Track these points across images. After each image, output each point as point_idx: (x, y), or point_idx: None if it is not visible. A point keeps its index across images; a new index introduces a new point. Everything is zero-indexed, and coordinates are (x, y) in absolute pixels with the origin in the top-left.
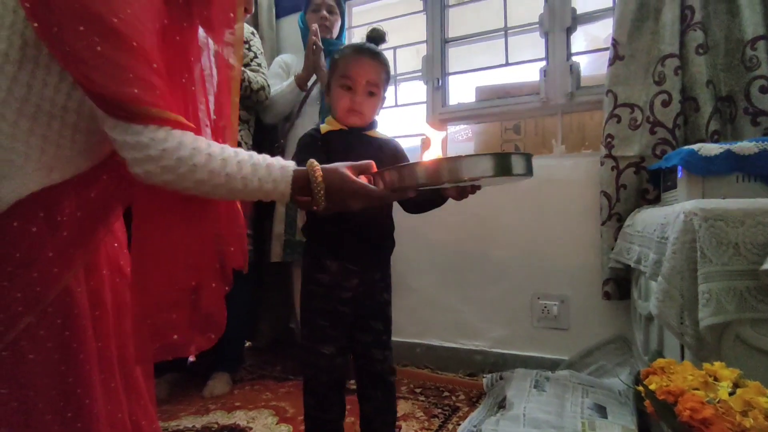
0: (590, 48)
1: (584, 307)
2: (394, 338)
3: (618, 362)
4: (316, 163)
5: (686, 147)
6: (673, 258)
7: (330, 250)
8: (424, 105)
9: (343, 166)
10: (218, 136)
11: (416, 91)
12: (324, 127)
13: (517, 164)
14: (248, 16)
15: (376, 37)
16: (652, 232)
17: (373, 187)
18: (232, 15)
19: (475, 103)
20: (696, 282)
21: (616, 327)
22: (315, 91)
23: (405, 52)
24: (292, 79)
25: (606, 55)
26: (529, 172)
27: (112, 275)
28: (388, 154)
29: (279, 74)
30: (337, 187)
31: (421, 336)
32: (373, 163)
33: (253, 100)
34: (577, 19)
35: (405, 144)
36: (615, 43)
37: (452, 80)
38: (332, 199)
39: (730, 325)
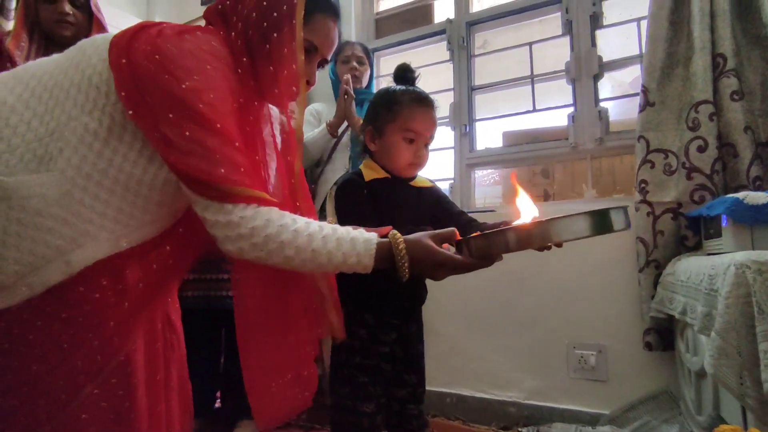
0: (616, 91)
1: (624, 358)
2: None
3: (665, 419)
4: (398, 235)
5: (731, 195)
6: (726, 313)
7: (367, 303)
8: (452, 150)
9: (426, 236)
10: (294, 194)
11: (444, 136)
12: (367, 174)
13: (617, 220)
14: (310, 88)
15: (409, 75)
16: (698, 282)
17: (459, 257)
18: (295, 89)
19: (502, 148)
20: (754, 339)
21: (660, 380)
22: (345, 138)
23: (433, 97)
24: (324, 125)
25: (634, 100)
26: (627, 225)
27: (164, 328)
28: (430, 201)
29: (311, 122)
30: (420, 258)
31: (451, 385)
32: (456, 231)
33: None
34: (604, 67)
35: None
36: (645, 89)
37: (479, 125)
38: (416, 270)
39: None
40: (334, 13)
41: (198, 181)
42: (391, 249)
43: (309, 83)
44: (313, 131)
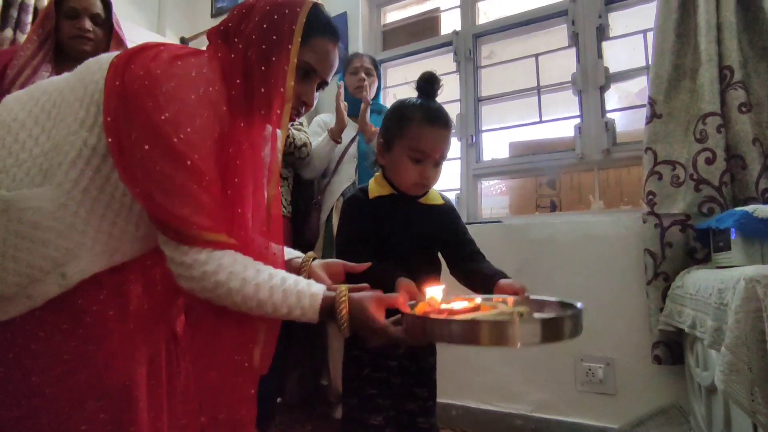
0: (622, 102)
1: (632, 371)
2: None
3: None
4: (344, 293)
5: (740, 208)
6: (737, 327)
7: None
8: (458, 161)
9: (371, 300)
10: (270, 209)
11: (451, 146)
12: (372, 190)
13: (567, 330)
14: (309, 110)
15: (434, 86)
16: (708, 296)
17: (393, 330)
18: (279, 112)
19: (509, 158)
20: (765, 354)
21: (669, 394)
22: (352, 149)
23: None
24: (326, 134)
25: (640, 110)
26: (576, 333)
27: (169, 341)
28: (438, 220)
29: (318, 132)
30: (359, 321)
31: (457, 396)
32: (402, 301)
33: (295, 156)
34: (611, 78)
35: None
36: (652, 101)
37: (486, 135)
38: (355, 330)
39: None
40: (334, 35)
41: (160, 220)
42: (333, 307)
43: (307, 105)
44: (316, 141)
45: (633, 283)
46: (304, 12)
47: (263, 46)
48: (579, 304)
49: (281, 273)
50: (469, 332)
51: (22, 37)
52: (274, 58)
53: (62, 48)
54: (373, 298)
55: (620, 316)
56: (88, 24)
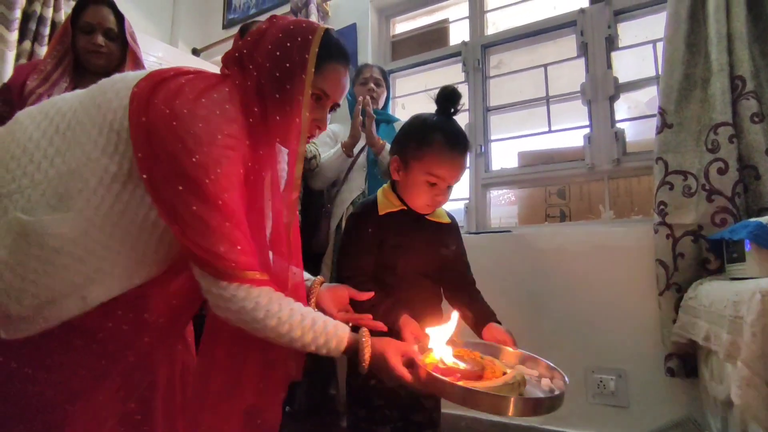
0: (632, 111)
1: (645, 383)
2: None
3: None
4: (368, 341)
5: (754, 219)
6: (753, 342)
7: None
8: (467, 170)
9: (390, 350)
10: (286, 244)
11: None
12: (382, 205)
13: (555, 406)
14: (321, 132)
15: (455, 101)
16: (722, 308)
17: (409, 379)
18: (295, 141)
19: (518, 168)
20: None
21: (683, 407)
22: (362, 158)
23: None
24: (339, 146)
25: (650, 119)
26: (555, 409)
27: (182, 350)
28: (443, 240)
29: (327, 143)
30: (379, 366)
31: (466, 407)
32: (417, 354)
33: (304, 167)
34: (620, 88)
35: (447, 207)
36: (662, 111)
37: (494, 145)
38: (374, 373)
39: None
40: (345, 60)
41: (197, 257)
42: (356, 352)
43: (320, 128)
44: (328, 152)
45: (644, 293)
46: (316, 41)
47: (276, 74)
48: (565, 381)
49: (311, 314)
50: (470, 400)
51: (39, 49)
52: (288, 86)
53: (79, 61)
54: (392, 348)
55: (632, 327)
56: (101, 39)
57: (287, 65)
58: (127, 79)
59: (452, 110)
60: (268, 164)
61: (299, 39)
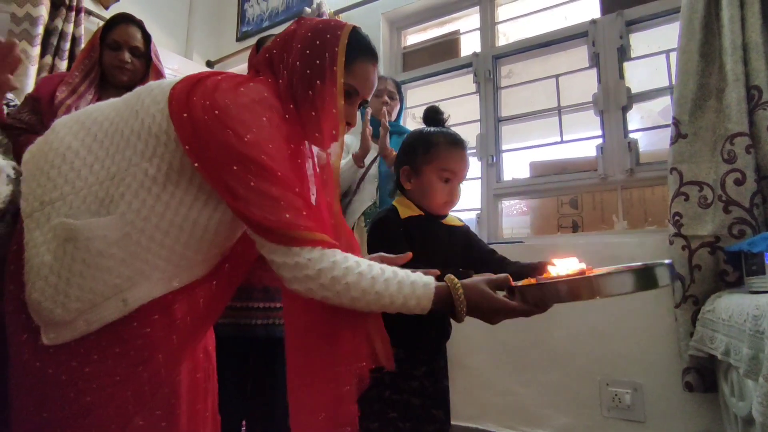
0: (645, 121)
1: (662, 398)
2: None
3: None
4: (455, 279)
5: None
6: None
7: (397, 337)
8: (479, 180)
9: (483, 282)
10: (336, 232)
11: (471, 166)
12: (403, 211)
13: (662, 276)
14: (351, 128)
15: (439, 117)
16: (742, 322)
17: (514, 304)
18: (335, 132)
19: (530, 178)
20: None
21: (701, 423)
22: (373, 169)
23: (459, 128)
24: (350, 157)
25: (664, 130)
26: (673, 281)
27: (204, 358)
28: (460, 240)
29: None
30: (477, 303)
31: (478, 420)
32: (509, 277)
33: None
34: (633, 98)
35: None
36: (676, 121)
37: (506, 155)
38: (473, 314)
39: None
40: (374, 56)
41: (266, 229)
42: (448, 293)
43: (350, 124)
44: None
45: (660, 305)
46: (344, 35)
47: (308, 71)
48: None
49: (389, 267)
50: (596, 286)
51: (60, 63)
52: (319, 82)
53: (104, 76)
54: (484, 280)
55: (648, 339)
56: (127, 56)
57: (317, 62)
58: (162, 85)
59: (442, 122)
60: (306, 157)
61: (328, 36)
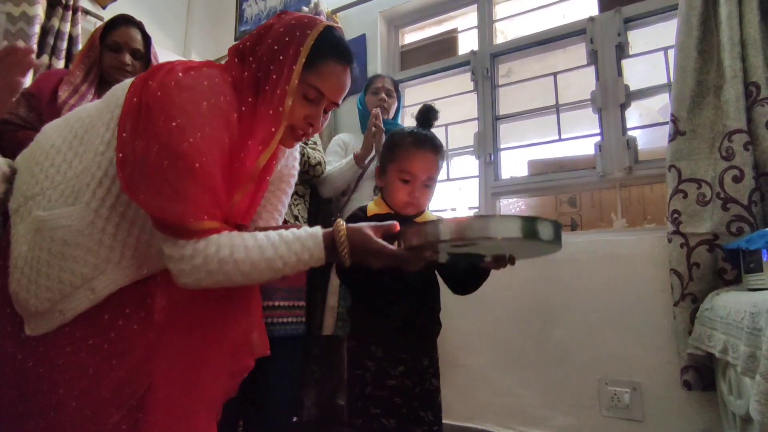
0: (644, 119)
1: (660, 397)
2: (443, 420)
3: None
4: (342, 222)
5: None
6: None
7: (375, 335)
8: (477, 179)
9: (367, 227)
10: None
11: (469, 164)
12: (371, 209)
13: (545, 230)
14: (317, 132)
15: (431, 116)
16: (739, 320)
17: (392, 247)
18: (273, 130)
19: (528, 177)
20: None
21: (700, 421)
22: (372, 167)
23: (457, 126)
24: (351, 157)
25: (663, 128)
26: (556, 241)
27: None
28: None
29: (337, 152)
30: (358, 245)
31: (474, 419)
32: (397, 224)
33: (310, 174)
34: (631, 96)
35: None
36: (674, 118)
37: (504, 153)
38: (356, 257)
39: None
40: (345, 59)
41: (158, 219)
42: (333, 237)
43: (313, 126)
44: (340, 162)
45: (659, 303)
46: (313, 35)
47: (271, 67)
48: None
49: (274, 231)
50: (462, 227)
51: (57, 63)
52: (274, 77)
53: (104, 76)
54: (371, 225)
55: (646, 338)
56: (127, 58)
57: (281, 57)
58: (134, 77)
59: (427, 122)
60: (254, 156)
61: (298, 33)
